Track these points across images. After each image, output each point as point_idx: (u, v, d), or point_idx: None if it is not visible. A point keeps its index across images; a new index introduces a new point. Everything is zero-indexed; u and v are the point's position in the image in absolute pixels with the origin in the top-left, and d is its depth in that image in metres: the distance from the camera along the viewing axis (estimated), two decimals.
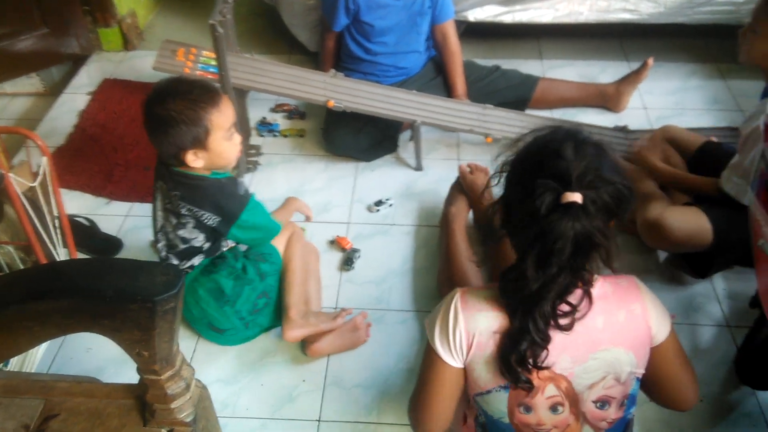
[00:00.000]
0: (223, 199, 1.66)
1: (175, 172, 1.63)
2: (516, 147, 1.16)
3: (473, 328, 1.14)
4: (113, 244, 2.13)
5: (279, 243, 1.86)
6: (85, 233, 2.12)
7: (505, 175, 1.18)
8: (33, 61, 2.83)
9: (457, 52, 2.45)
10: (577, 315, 1.10)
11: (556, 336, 1.10)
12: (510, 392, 1.15)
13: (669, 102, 2.66)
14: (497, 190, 1.19)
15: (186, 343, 1.83)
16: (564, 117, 2.56)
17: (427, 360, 1.21)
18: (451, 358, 1.16)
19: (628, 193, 1.09)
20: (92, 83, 2.84)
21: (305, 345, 1.77)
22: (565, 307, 1.09)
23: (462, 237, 1.96)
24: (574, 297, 1.09)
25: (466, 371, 1.17)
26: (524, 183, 1.09)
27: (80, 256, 2.07)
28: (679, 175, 1.95)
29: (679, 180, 1.94)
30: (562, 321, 1.09)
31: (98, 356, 1.80)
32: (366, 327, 1.82)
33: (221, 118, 1.58)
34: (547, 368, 1.11)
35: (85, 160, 2.43)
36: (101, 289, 0.91)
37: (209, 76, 2.23)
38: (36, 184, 1.67)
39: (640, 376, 1.17)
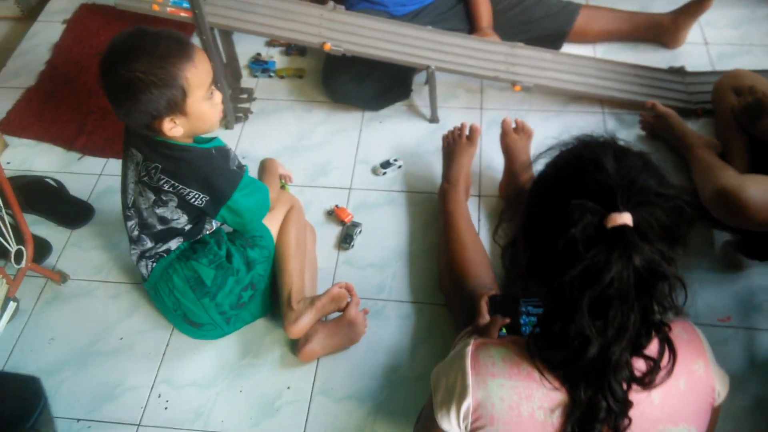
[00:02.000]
0: (213, 174, 1.39)
1: (156, 140, 1.35)
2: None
3: (485, 398, 0.88)
4: (83, 210, 1.88)
5: (273, 221, 1.59)
6: (52, 197, 1.89)
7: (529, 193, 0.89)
8: None
9: None
10: (662, 373, 0.85)
11: None
12: None
13: (734, 36, 2.23)
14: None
15: (159, 334, 1.62)
16: (608, 55, 2.16)
17: (425, 421, 0.97)
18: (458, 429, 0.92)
19: (690, 209, 0.82)
20: (68, 9, 2.51)
21: (296, 347, 1.53)
22: (640, 364, 0.84)
23: (462, 214, 1.66)
24: (650, 350, 0.84)
25: None
26: (553, 209, 0.81)
27: (47, 224, 1.85)
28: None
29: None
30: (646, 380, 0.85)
31: (61, 349, 1.60)
32: (363, 319, 1.57)
33: (199, 75, 1.29)
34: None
35: (57, 105, 2.14)
36: None
37: (182, 14, 1.88)
38: None
39: None
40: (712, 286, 1.62)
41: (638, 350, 0.83)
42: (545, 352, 0.85)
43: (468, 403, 0.89)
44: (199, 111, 1.32)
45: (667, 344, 0.85)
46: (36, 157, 2.02)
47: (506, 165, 1.78)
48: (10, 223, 1.58)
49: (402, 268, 1.70)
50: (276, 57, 2.24)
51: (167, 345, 1.60)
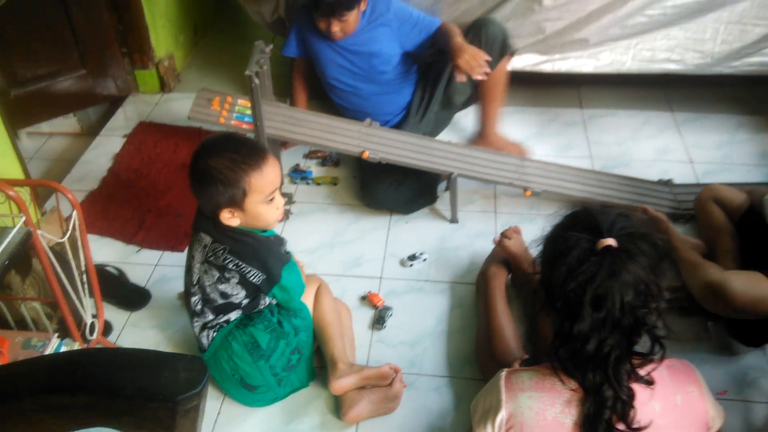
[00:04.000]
0: (270, 257, 1.62)
1: (225, 225, 1.59)
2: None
3: (516, 409, 1.07)
4: (141, 295, 2.09)
5: (307, 299, 1.81)
6: (113, 283, 2.10)
7: (540, 250, 1.16)
8: (71, 101, 2.85)
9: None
10: (653, 365, 1.10)
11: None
12: None
13: (716, 156, 2.56)
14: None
15: (210, 404, 1.77)
16: (605, 169, 2.47)
17: None
18: None
19: (663, 246, 1.10)
20: (128, 125, 2.85)
21: (342, 409, 1.69)
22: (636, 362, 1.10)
23: (502, 299, 1.88)
24: (642, 346, 1.09)
25: None
26: (557, 248, 1.11)
27: (108, 307, 2.05)
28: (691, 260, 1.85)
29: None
30: (641, 372, 1.09)
31: None
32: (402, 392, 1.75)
33: (262, 182, 1.53)
34: (643, 428, 1.06)
35: (118, 206, 2.41)
36: (121, 386, 0.86)
37: (244, 126, 2.20)
38: (65, 240, 1.64)
39: None
40: (710, 366, 1.81)
41: (631, 346, 1.05)
42: (563, 360, 1.07)
43: (502, 415, 1.08)
44: (255, 211, 1.56)
45: (657, 342, 1.07)
46: (100, 249, 2.25)
47: (513, 264, 1.99)
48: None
49: (431, 346, 1.89)
50: (313, 167, 2.55)
51: (218, 413, 1.76)
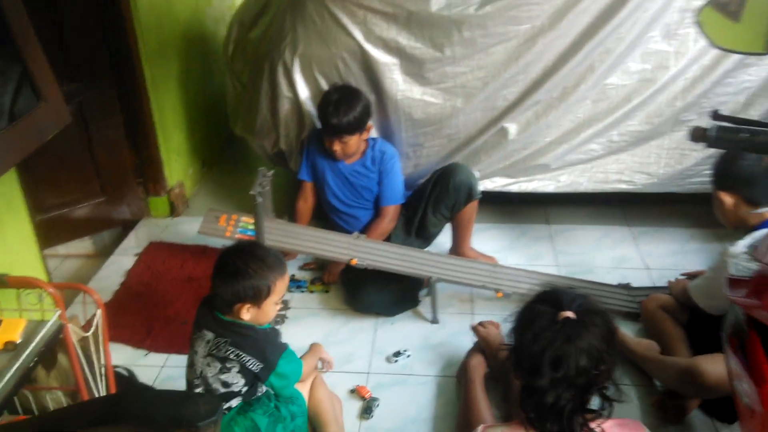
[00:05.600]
0: (268, 347, 1.85)
1: (226, 321, 1.82)
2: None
3: None
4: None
5: (303, 387, 2.01)
6: (123, 383, 2.29)
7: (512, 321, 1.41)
8: (89, 226, 3.16)
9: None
10: (602, 420, 1.30)
11: None
12: None
13: (669, 263, 2.84)
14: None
15: None
16: (570, 274, 2.75)
17: None
18: None
19: (613, 324, 1.34)
20: (139, 245, 3.14)
21: None
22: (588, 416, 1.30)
23: (481, 388, 2.08)
24: (594, 404, 1.31)
25: None
26: (525, 321, 1.36)
27: None
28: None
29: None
30: (593, 425, 1.29)
31: None
32: None
33: (281, 286, 1.81)
34: None
35: (129, 315, 2.65)
36: (153, 416, 1.08)
37: (247, 239, 2.49)
38: (89, 334, 1.87)
39: None
40: None
41: (584, 402, 1.27)
42: (528, 411, 1.29)
43: None
44: (267, 309, 1.82)
45: (606, 400, 1.29)
46: (111, 353, 2.44)
47: (489, 354, 2.20)
48: None
49: None
50: (307, 276, 2.82)
51: None
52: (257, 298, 1.78)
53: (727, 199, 1.97)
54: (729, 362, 1.37)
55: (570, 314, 1.30)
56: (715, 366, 1.87)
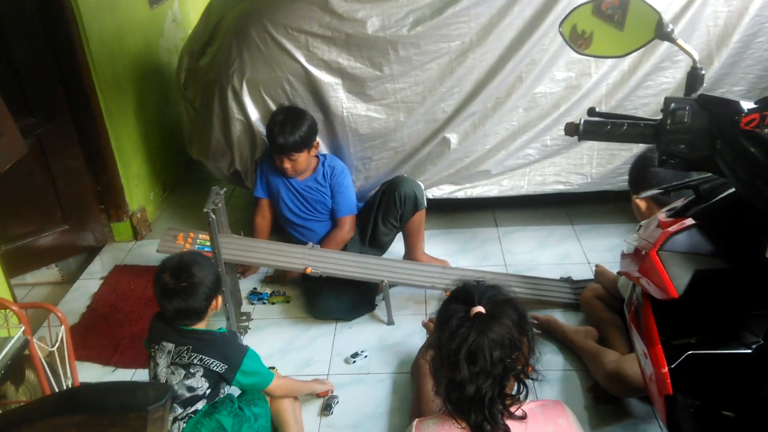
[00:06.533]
0: (229, 348, 2.00)
1: (186, 330, 1.98)
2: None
3: None
4: None
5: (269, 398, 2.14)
6: None
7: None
8: (53, 254, 3.24)
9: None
10: (522, 403, 1.40)
11: None
12: None
13: (609, 257, 3.02)
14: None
15: None
16: (518, 271, 2.91)
17: None
18: None
19: (523, 309, 1.44)
20: (104, 270, 3.24)
21: None
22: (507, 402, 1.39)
23: (431, 381, 2.21)
24: (510, 388, 1.40)
25: None
26: (442, 320, 1.45)
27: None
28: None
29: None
30: (513, 409, 1.38)
31: None
32: None
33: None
34: None
35: (96, 336, 2.74)
36: (107, 404, 1.20)
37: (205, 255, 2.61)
38: (54, 348, 1.97)
39: None
40: None
41: (502, 389, 1.39)
42: (453, 404, 1.40)
43: None
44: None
45: (522, 384, 1.42)
46: (79, 371, 2.45)
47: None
48: None
49: (373, 427, 2.20)
50: (268, 289, 2.95)
51: None
52: (217, 290, 1.99)
53: (641, 203, 2.14)
54: (632, 335, 1.51)
55: (480, 309, 1.39)
56: (638, 367, 2.03)
